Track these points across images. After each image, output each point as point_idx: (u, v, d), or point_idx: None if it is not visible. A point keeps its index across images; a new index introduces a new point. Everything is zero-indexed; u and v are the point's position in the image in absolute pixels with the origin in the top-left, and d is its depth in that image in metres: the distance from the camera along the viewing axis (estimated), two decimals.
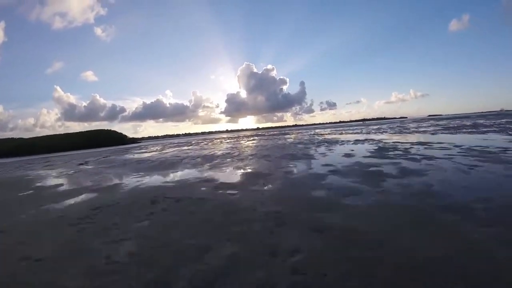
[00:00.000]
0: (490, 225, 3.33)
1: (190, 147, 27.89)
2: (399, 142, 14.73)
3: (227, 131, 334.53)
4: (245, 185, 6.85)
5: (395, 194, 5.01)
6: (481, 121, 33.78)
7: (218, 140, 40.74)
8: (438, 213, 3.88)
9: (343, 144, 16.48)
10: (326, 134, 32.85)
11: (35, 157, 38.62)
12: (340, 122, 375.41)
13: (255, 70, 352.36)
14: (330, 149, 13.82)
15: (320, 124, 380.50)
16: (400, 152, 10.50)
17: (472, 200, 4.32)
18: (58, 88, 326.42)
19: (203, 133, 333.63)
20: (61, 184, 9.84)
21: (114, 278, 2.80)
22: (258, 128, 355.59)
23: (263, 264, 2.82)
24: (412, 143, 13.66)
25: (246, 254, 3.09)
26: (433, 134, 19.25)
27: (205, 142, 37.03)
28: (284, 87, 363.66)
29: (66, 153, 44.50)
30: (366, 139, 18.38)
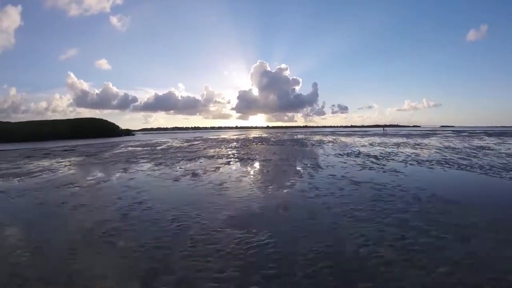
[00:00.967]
0: None
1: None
2: None
3: (236, 128, 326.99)
4: None
5: None
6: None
7: (221, 142, 32.18)
8: None
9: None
10: (363, 145, 23.74)
11: None
12: (352, 126, 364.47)
13: (268, 69, 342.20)
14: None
15: (331, 126, 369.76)
16: None
17: None
18: (71, 74, 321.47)
19: (212, 128, 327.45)
20: None
21: None
22: (268, 127, 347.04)
23: None
24: None
25: None
26: None
27: (205, 146, 28.35)
28: (297, 88, 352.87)
29: (39, 144, 36.40)
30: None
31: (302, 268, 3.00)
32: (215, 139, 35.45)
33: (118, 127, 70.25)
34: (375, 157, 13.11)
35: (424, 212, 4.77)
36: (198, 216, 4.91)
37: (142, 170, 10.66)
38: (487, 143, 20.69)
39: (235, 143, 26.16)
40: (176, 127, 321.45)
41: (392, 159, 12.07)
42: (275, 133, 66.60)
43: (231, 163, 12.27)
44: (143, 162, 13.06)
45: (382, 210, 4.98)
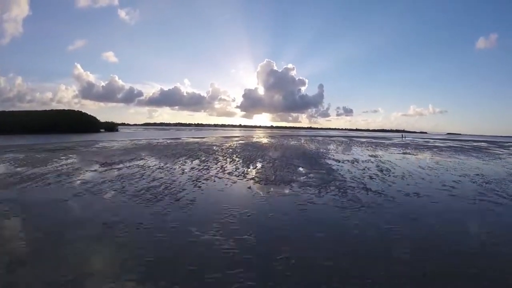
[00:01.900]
0: None
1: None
2: None
3: (240, 126, 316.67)
4: None
5: None
6: None
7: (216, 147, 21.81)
8: None
9: None
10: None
11: None
12: (357, 129, 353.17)
13: (275, 68, 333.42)
14: None
15: (335, 129, 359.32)
16: None
17: None
18: (78, 65, 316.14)
19: (215, 126, 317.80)
20: None
21: None
22: (272, 127, 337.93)
23: None
24: None
25: None
26: None
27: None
28: (303, 88, 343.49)
29: None
30: None
31: None
32: (192, 147, 24.39)
33: (98, 121, 61.06)
34: None
35: None
36: None
37: None
38: None
39: (199, 160, 15.18)
40: (179, 123, 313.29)
41: None
42: (279, 135, 55.42)
43: None
44: None
45: None
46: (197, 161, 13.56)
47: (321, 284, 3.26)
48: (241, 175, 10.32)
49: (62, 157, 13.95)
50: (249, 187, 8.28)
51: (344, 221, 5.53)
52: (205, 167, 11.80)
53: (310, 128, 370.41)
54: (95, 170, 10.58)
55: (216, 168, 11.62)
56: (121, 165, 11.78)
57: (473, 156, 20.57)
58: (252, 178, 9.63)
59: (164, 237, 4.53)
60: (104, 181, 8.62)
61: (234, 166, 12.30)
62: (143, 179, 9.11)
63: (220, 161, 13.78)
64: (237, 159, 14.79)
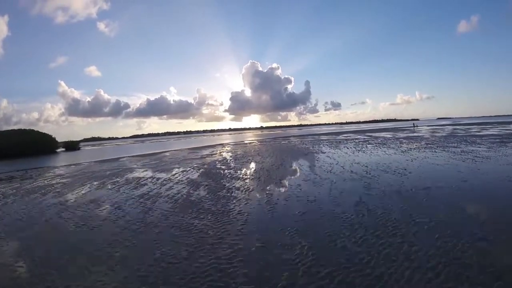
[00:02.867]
0: None
1: None
2: None
3: (229, 130, 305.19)
4: None
5: None
6: None
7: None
8: None
9: None
10: None
11: None
12: (347, 123, 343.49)
13: (260, 69, 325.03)
14: None
15: (325, 124, 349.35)
16: None
17: None
18: (62, 83, 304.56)
19: (204, 131, 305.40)
20: None
21: None
22: (262, 127, 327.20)
23: None
24: None
25: None
26: None
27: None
28: (289, 86, 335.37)
29: None
30: None
31: None
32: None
33: (53, 140, 50.43)
34: None
35: None
36: None
37: None
38: None
39: None
40: (167, 132, 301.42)
41: None
42: (268, 139, 43.64)
43: None
44: None
45: None
46: None
47: None
48: None
49: None
50: None
51: None
52: None
53: (300, 125, 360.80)
54: None
55: None
56: None
57: None
58: None
59: None
60: None
61: None
62: None
63: None
64: None
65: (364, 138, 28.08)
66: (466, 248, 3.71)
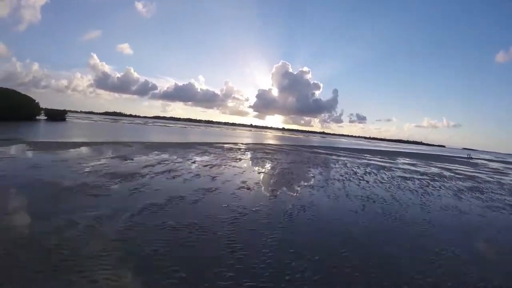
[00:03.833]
0: None
1: None
2: None
3: (251, 126, 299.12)
4: None
5: None
6: None
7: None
8: None
9: None
10: None
11: None
12: (371, 138, 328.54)
13: (290, 70, 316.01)
14: None
15: (348, 136, 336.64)
16: None
17: None
18: (94, 55, 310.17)
19: (226, 124, 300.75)
20: None
21: None
22: (283, 129, 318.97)
23: None
24: None
25: None
26: None
27: None
28: (317, 92, 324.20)
29: None
30: None
31: None
32: None
33: (35, 105, 41.79)
34: None
35: None
36: None
37: None
38: None
39: None
40: (189, 119, 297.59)
41: None
42: (288, 145, 36.54)
43: None
44: None
45: None
46: None
47: None
48: None
49: None
50: None
51: None
52: None
53: (323, 133, 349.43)
54: None
55: None
56: None
57: None
58: None
59: None
60: None
61: None
62: None
63: None
64: None
65: (431, 172, 18.93)
66: None
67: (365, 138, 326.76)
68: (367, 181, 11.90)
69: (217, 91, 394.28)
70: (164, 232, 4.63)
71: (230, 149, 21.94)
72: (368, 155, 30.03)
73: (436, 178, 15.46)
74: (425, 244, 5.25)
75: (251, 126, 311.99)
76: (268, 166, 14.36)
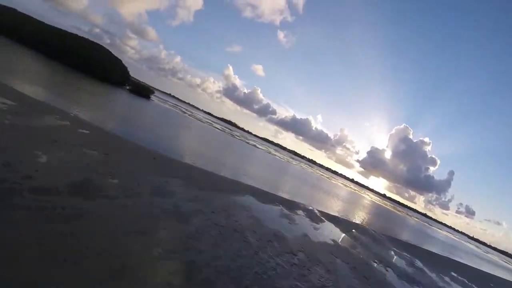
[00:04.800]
0: None
1: None
2: None
3: (352, 181, 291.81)
4: None
5: None
6: None
7: None
8: None
9: None
10: None
11: None
12: (473, 238, 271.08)
13: (410, 136, 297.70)
14: None
15: (450, 227, 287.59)
16: None
17: None
18: (230, 67, 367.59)
19: (327, 169, 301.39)
20: None
21: None
22: (384, 196, 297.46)
23: None
24: None
25: None
26: None
27: None
28: (432, 168, 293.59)
29: None
30: None
31: None
32: None
33: (124, 69, 39.84)
34: None
35: None
36: None
37: None
38: None
39: None
40: (294, 152, 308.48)
41: None
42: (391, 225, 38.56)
43: None
44: None
45: None
46: None
47: None
48: None
49: None
50: None
51: None
52: None
53: (425, 215, 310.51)
54: None
55: None
56: None
57: None
58: None
59: None
60: None
61: None
62: None
63: None
64: None
65: None
66: None
67: (468, 236, 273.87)
68: None
69: (331, 135, 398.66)
70: None
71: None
72: None
73: None
74: None
75: (352, 180, 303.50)
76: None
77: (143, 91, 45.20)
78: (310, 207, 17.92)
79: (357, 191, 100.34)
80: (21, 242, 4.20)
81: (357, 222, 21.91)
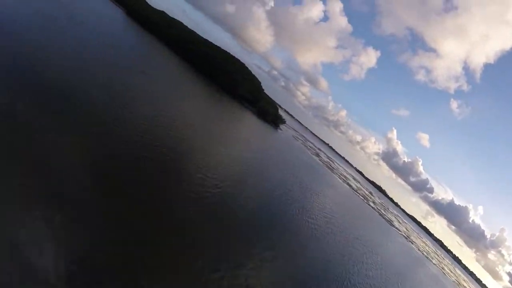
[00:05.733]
0: None
1: None
2: None
3: None
4: None
5: None
6: None
7: None
8: None
9: None
10: None
11: None
12: None
13: None
14: None
15: None
16: None
17: None
18: (394, 131, 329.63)
19: (471, 273, 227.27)
20: None
21: None
22: None
23: None
24: None
25: None
26: None
27: None
28: None
29: None
30: None
31: None
32: None
33: (258, 87, 36.07)
34: None
35: None
36: None
37: None
38: None
39: None
40: (441, 242, 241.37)
41: None
42: None
43: None
44: None
45: None
46: None
47: None
48: None
49: None
50: None
51: None
52: None
53: None
54: None
55: None
56: None
57: None
58: None
59: None
60: None
61: None
62: None
63: None
64: None
65: None
66: None
67: None
68: None
69: (487, 233, 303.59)
70: None
71: None
72: None
73: None
74: None
75: None
76: None
77: (269, 116, 41.05)
78: None
79: None
80: None
81: None
